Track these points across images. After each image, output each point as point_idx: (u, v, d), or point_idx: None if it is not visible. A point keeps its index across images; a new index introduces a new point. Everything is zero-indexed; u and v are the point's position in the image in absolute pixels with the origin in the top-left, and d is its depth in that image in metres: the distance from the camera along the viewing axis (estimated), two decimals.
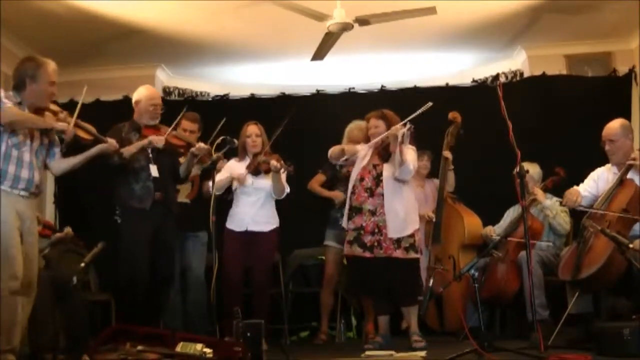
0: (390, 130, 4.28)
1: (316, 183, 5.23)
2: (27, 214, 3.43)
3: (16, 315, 3.26)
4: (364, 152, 4.51)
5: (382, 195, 4.33)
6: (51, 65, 3.53)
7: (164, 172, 4.39)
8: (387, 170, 4.38)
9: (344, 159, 4.53)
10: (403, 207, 4.34)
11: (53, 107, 3.65)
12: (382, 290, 4.35)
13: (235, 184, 4.73)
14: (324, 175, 5.24)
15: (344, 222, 4.49)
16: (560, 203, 4.60)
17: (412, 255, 4.31)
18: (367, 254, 4.30)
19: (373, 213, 4.33)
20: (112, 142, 3.87)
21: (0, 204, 3.29)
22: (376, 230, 4.30)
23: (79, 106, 3.78)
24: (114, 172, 4.30)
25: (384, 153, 4.43)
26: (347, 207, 4.46)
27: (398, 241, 4.28)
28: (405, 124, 4.24)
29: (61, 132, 3.54)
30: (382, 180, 4.35)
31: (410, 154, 4.36)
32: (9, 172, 3.34)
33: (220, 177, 4.58)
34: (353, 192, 4.43)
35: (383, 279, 4.28)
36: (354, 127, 5.20)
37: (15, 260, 3.26)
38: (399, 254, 4.26)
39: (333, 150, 4.61)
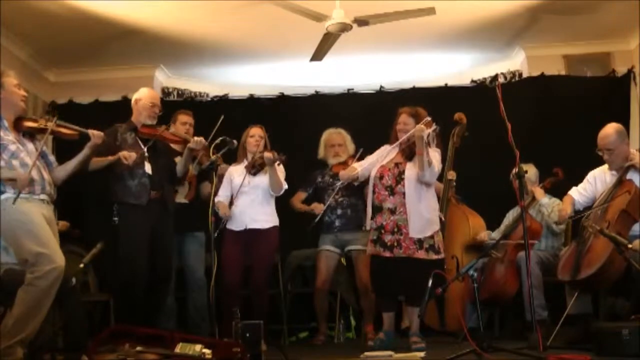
0: (415, 130, 4.17)
1: (296, 200, 5.23)
2: (50, 218, 3.52)
3: (42, 308, 3.29)
4: (386, 151, 4.46)
5: (403, 193, 4.27)
6: (10, 72, 3.65)
7: (159, 171, 4.41)
8: (409, 169, 4.31)
9: (357, 182, 4.52)
10: (425, 208, 4.30)
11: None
12: (396, 290, 4.31)
13: (236, 181, 4.71)
14: (304, 192, 5.25)
15: (367, 223, 4.44)
16: (556, 224, 4.70)
17: (433, 256, 4.26)
18: (387, 254, 4.26)
19: (393, 212, 4.28)
20: (96, 134, 3.81)
21: (23, 209, 3.36)
22: (395, 230, 4.26)
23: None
24: (110, 169, 4.33)
25: (407, 151, 4.37)
26: (369, 206, 4.42)
27: (419, 242, 4.24)
28: (430, 124, 4.15)
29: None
30: (403, 179, 4.29)
31: (435, 156, 4.29)
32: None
33: (219, 197, 4.63)
34: (374, 191, 4.38)
35: (400, 278, 4.23)
36: (333, 131, 5.24)
37: (55, 252, 3.34)
38: (420, 254, 4.23)
39: (342, 175, 4.53)
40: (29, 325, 3.26)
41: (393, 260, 4.26)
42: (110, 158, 4.27)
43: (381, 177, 4.37)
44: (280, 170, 4.70)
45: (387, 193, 4.33)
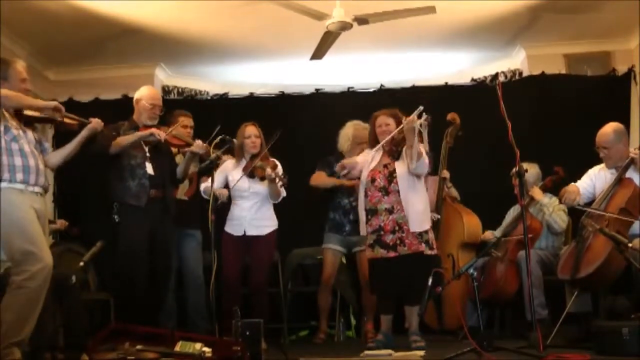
0: (405, 122, 4.12)
1: (321, 176, 5.10)
2: (42, 211, 3.46)
3: (35, 309, 3.25)
4: (372, 155, 4.45)
5: (398, 192, 4.26)
6: (20, 63, 3.57)
7: (160, 170, 4.41)
8: (400, 167, 4.30)
9: (344, 172, 4.46)
10: (421, 201, 4.29)
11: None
12: (399, 290, 4.27)
13: (233, 184, 4.70)
14: (323, 172, 5.14)
15: (362, 229, 4.41)
16: (560, 201, 4.59)
17: (429, 251, 4.26)
18: (392, 254, 4.23)
19: (390, 211, 4.26)
20: (96, 121, 3.83)
21: (15, 202, 3.30)
22: (396, 228, 4.24)
23: None
24: (110, 168, 4.33)
25: (394, 150, 4.36)
26: (361, 211, 4.38)
27: (421, 235, 4.23)
28: (420, 115, 4.09)
29: (53, 112, 3.50)
30: (395, 178, 4.28)
31: (424, 147, 4.27)
32: (16, 165, 3.34)
33: (215, 184, 4.56)
34: (366, 195, 4.36)
35: (407, 276, 4.20)
36: (360, 128, 5.10)
37: (43, 250, 3.29)
38: (423, 248, 4.22)
39: (346, 162, 4.53)
40: (25, 329, 3.23)
41: (398, 259, 4.23)
42: (141, 133, 4.28)
43: (373, 180, 4.35)
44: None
45: (381, 194, 4.31)
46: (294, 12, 5.08)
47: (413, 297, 4.24)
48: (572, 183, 4.43)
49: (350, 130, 5.17)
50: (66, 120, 3.71)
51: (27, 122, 3.56)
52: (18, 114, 3.53)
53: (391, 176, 4.31)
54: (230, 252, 4.62)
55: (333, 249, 5.11)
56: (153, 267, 4.27)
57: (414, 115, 4.08)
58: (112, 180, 4.35)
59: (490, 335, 3.94)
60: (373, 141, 4.45)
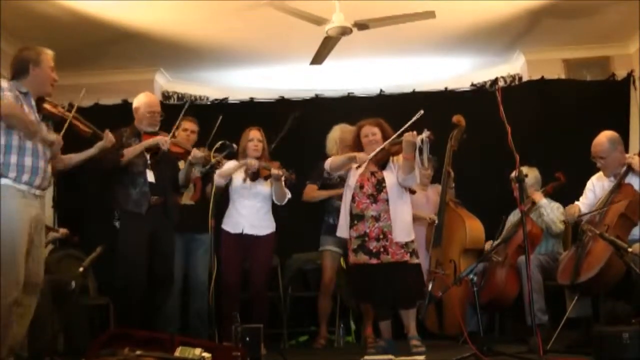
0: (405, 137, 4.15)
1: (311, 191, 5.16)
2: (40, 215, 3.41)
3: (9, 326, 3.14)
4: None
5: (387, 201, 4.28)
6: (50, 52, 3.59)
7: (162, 177, 4.42)
8: (389, 177, 4.33)
9: (356, 165, 4.37)
10: (407, 213, 4.33)
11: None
12: (386, 296, 4.30)
13: (236, 181, 4.69)
14: (315, 184, 5.18)
15: (342, 231, 4.42)
16: (564, 222, 4.68)
17: (415, 260, 4.30)
18: (374, 261, 4.24)
19: (377, 219, 4.27)
20: (109, 138, 3.89)
21: (16, 209, 3.21)
22: (381, 236, 4.25)
23: (81, 98, 3.87)
24: (112, 176, 4.33)
25: (385, 159, 4.37)
26: (346, 215, 4.38)
27: (406, 245, 4.26)
28: (420, 131, 4.11)
29: (51, 144, 3.43)
30: (384, 187, 4.30)
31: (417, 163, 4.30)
32: (25, 165, 3.26)
33: (226, 166, 4.59)
34: (353, 200, 4.37)
35: (388, 284, 4.24)
36: (347, 131, 5.09)
37: (20, 268, 3.19)
38: (408, 257, 4.24)
39: (334, 161, 4.49)
40: (5, 339, 3.12)
41: (380, 267, 4.24)
42: (150, 141, 4.35)
43: (361, 187, 4.35)
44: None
45: (369, 201, 4.31)
46: (294, 17, 5.09)
47: (407, 301, 4.28)
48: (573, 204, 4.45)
49: (337, 133, 5.22)
50: (80, 125, 3.74)
51: (44, 117, 3.54)
52: (38, 105, 3.49)
53: (380, 185, 4.33)
54: (229, 252, 4.64)
55: (331, 251, 5.12)
56: (153, 272, 4.27)
57: (412, 132, 4.10)
58: (112, 187, 4.37)
59: (490, 339, 3.95)
60: (356, 149, 4.45)
